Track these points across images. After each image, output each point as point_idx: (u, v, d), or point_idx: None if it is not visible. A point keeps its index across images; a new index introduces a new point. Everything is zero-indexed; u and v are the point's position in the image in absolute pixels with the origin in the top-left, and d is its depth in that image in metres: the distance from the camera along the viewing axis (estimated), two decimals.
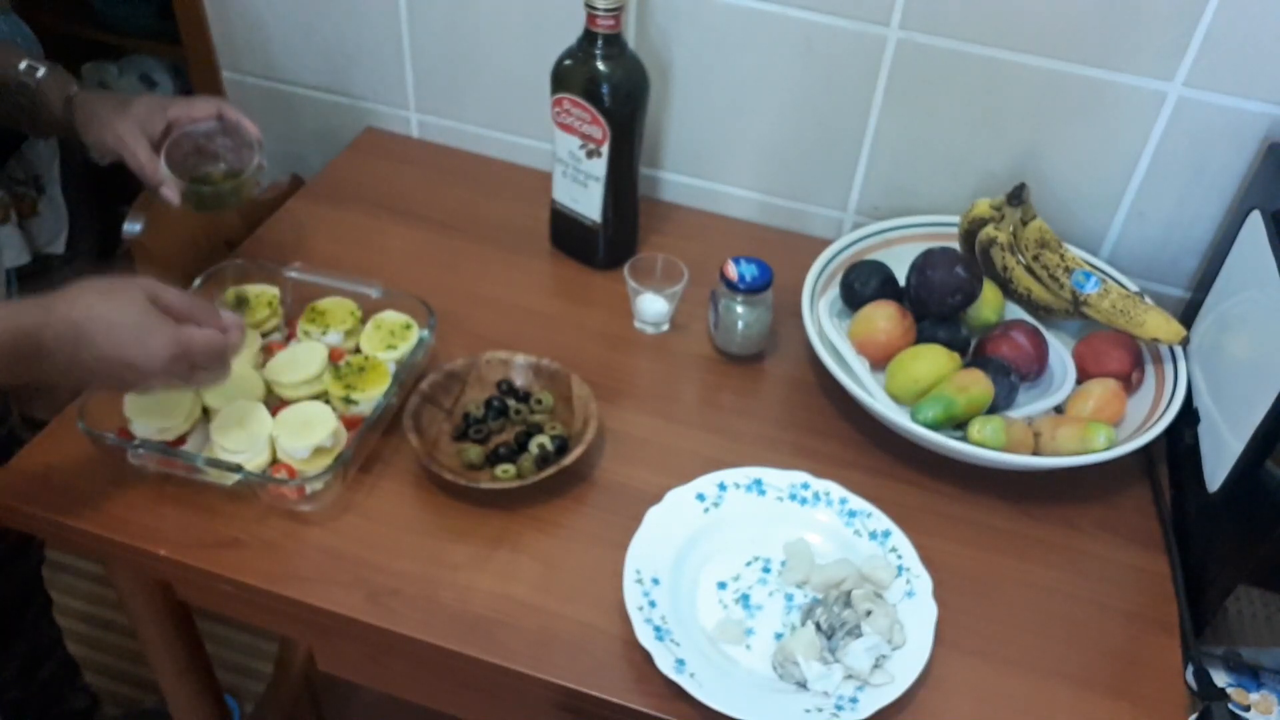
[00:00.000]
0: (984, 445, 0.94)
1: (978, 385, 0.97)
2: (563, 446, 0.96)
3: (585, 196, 1.16)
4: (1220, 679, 0.89)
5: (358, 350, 1.02)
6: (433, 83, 1.34)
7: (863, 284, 1.09)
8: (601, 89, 1.07)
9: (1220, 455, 0.92)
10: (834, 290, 1.12)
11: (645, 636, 0.82)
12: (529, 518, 0.93)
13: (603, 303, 1.17)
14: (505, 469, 0.93)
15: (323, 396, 0.98)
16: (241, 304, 1.02)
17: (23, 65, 0.97)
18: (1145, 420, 1.00)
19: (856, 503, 0.93)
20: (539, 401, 1.00)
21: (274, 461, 0.92)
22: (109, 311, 0.79)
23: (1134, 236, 1.18)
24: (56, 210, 1.98)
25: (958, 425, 0.98)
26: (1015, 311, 1.12)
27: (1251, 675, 0.90)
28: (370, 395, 0.96)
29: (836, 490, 0.94)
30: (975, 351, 1.07)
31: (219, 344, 0.84)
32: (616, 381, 1.07)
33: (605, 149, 1.10)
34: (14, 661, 1.32)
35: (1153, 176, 1.13)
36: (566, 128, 1.11)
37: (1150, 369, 1.05)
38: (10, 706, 1.34)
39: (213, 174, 1.00)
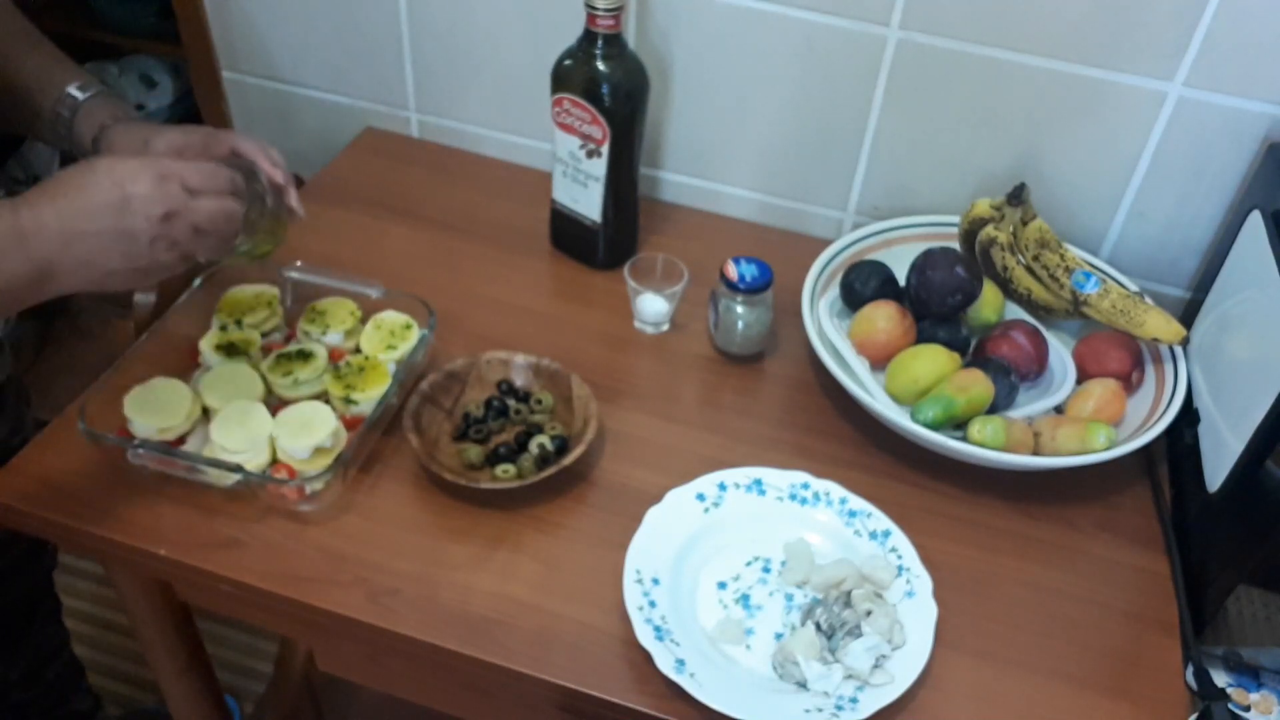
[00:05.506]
0: (984, 445, 0.94)
1: (978, 385, 0.97)
2: (563, 446, 0.96)
3: (585, 196, 1.16)
4: (1220, 679, 0.89)
5: (358, 350, 1.02)
6: (433, 83, 1.34)
7: (863, 284, 1.09)
8: (601, 89, 1.07)
9: (1220, 455, 0.92)
10: (834, 290, 1.12)
11: (645, 636, 0.82)
12: (529, 518, 0.93)
13: (603, 303, 1.17)
14: (505, 469, 0.93)
15: (323, 396, 0.98)
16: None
17: (67, 90, 0.95)
18: (1145, 420, 1.00)
19: (856, 503, 0.93)
20: (539, 401, 1.00)
21: (274, 461, 0.92)
22: (81, 198, 0.76)
23: (1134, 236, 1.18)
24: None
25: (958, 425, 0.98)
26: (1015, 311, 1.12)
27: (1251, 675, 0.90)
28: (370, 395, 0.96)
29: (836, 490, 0.94)
30: (975, 351, 1.07)
31: (210, 171, 0.80)
32: (616, 381, 1.07)
33: (605, 149, 1.10)
34: (21, 663, 1.32)
35: (1153, 176, 1.13)
36: (566, 128, 1.11)
37: (1150, 369, 1.05)
38: (15, 708, 1.34)
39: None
